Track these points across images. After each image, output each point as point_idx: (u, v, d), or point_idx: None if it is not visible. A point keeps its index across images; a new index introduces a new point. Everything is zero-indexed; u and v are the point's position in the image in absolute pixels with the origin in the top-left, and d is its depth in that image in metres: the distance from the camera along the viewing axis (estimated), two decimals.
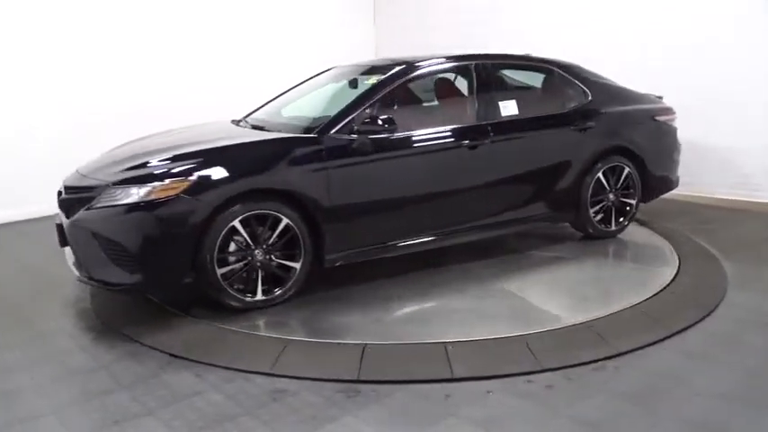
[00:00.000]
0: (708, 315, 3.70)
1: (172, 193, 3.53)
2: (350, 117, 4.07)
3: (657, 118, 5.27)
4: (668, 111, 5.39)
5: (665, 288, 4.08)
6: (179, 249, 3.60)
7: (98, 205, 3.62)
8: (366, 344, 3.36)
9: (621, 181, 5.05)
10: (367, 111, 4.12)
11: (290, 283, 3.92)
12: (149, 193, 3.53)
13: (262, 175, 3.79)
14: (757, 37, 5.87)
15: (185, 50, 7.50)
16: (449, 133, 4.41)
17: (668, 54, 6.38)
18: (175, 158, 3.77)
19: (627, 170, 5.04)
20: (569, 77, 4.99)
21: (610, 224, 5.08)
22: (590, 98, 4.96)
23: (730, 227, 5.55)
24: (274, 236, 3.81)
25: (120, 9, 6.99)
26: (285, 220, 3.81)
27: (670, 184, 5.51)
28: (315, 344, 3.44)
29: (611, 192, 5.01)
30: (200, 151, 3.85)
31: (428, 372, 3.10)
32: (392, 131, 4.06)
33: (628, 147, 5.05)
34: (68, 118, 6.64)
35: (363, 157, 4.05)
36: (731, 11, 5.98)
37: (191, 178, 3.59)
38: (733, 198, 6.16)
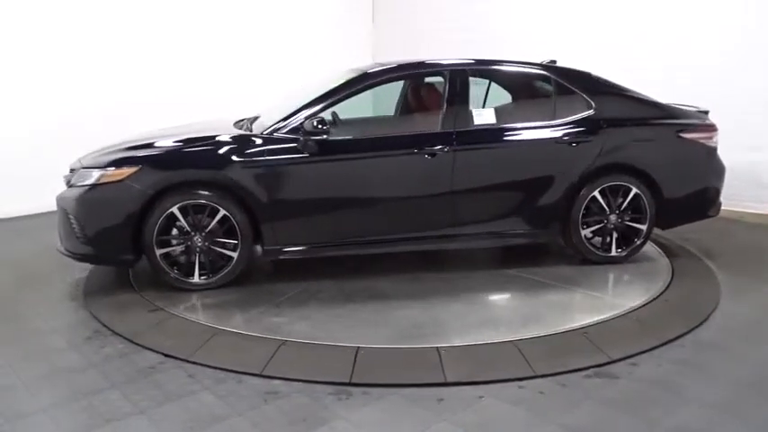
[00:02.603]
0: (700, 324, 3.71)
1: (117, 178, 3.99)
2: (297, 119, 4.20)
3: (684, 135, 4.63)
4: (702, 128, 4.71)
5: (658, 296, 4.09)
6: (119, 229, 4.03)
7: (72, 185, 4.16)
8: (359, 347, 3.36)
9: (627, 203, 4.57)
10: (316, 114, 4.20)
11: (227, 271, 4.19)
12: (101, 177, 4.03)
13: (198, 169, 4.11)
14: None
15: (184, 50, 7.48)
16: (404, 140, 4.37)
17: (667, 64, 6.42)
18: (135, 148, 4.20)
19: (634, 191, 4.55)
20: (570, 87, 4.57)
21: (610, 249, 4.63)
22: (592, 110, 4.52)
23: (723, 237, 5.57)
24: (211, 225, 4.10)
25: (117, 11, 6.98)
26: (222, 211, 4.08)
27: (701, 210, 4.85)
28: (308, 345, 3.43)
29: (611, 213, 4.58)
30: (152, 144, 4.24)
31: (421, 376, 3.10)
32: (326, 134, 4.12)
33: (634, 165, 4.54)
34: (63, 116, 6.60)
35: (305, 159, 4.14)
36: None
37: (136, 167, 3.99)
38: (727, 208, 6.16)
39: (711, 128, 4.75)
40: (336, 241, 4.32)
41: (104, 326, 3.73)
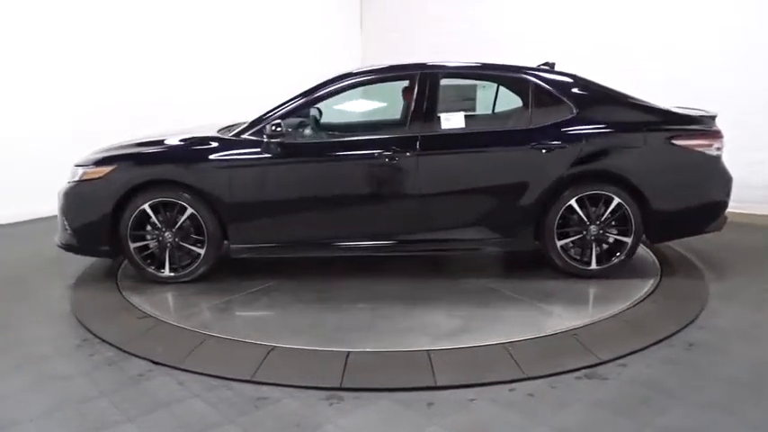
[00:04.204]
0: (689, 324, 3.73)
1: (97, 175, 4.29)
2: (262, 122, 4.33)
3: (677, 142, 4.25)
4: (700, 134, 4.29)
5: (646, 297, 4.11)
6: (96, 222, 4.32)
7: (66, 181, 4.45)
8: (350, 351, 3.36)
9: (609, 214, 4.30)
10: (280, 117, 4.30)
11: (194, 266, 4.43)
12: (84, 174, 4.34)
13: (167, 169, 4.32)
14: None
15: (181, 56, 7.56)
16: (365, 143, 4.37)
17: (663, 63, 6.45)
18: (116, 148, 4.49)
19: (616, 201, 4.28)
20: (551, 90, 4.35)
21: (589, 262, 4.38)
22: (573, 115, 4.29)
23: (713, 236, 5.51)
24: (179, 222, 4.33)
25: (118, 16, 7.01)
26: (190, 209, 4.29)
27: (697, 224, 4.46)
28: (298, 351, 3.42)
29: (591, 224, 4.33)
30: (132, 145, 4.50)
31: (411, 379, 3.10)
32: (282, 137, 4.24)
33: (616, 173, 4.26)
34: (65, 121, 6.63)
35: (267, 160, 4.27)
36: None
37: (112, 165, 4.29)
38: None
39: (712, 135, 4.31)
40: (298, 242, 4.42)
41: (93, 333, 3.71)
